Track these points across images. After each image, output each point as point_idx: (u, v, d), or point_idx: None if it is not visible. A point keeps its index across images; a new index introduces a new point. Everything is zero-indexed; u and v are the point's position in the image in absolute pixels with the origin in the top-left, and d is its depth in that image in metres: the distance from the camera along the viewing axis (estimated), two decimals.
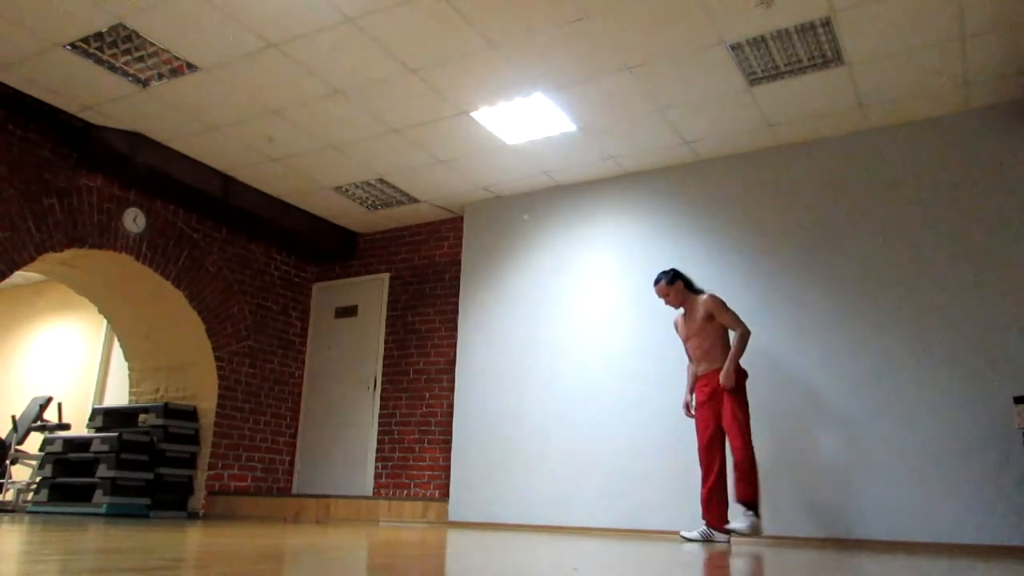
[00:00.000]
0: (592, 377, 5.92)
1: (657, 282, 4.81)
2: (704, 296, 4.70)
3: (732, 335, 4.61)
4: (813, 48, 4.51)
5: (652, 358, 5.70)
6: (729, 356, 4.50)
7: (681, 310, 4.84)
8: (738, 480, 4.32)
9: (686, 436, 5.42)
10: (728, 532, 4.35)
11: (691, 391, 4.79)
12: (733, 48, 4.55)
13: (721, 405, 4.53)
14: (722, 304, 4.65)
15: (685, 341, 4.79)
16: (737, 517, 4.33)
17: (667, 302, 4.81)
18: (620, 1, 4.15)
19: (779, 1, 4.12)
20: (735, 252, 5.58)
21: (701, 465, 4.57)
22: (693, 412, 4.72)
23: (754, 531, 4.22)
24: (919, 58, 4.57)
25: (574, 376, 6.00)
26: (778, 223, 5.52)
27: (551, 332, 6.20)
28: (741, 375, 4.54)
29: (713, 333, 4.64)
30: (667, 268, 5.03)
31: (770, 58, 4.62)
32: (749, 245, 5.55)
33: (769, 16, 4.24)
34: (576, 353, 6.05)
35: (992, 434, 4.55)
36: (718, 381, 4.52)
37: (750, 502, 4.28)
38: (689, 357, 4.83)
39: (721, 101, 5.11)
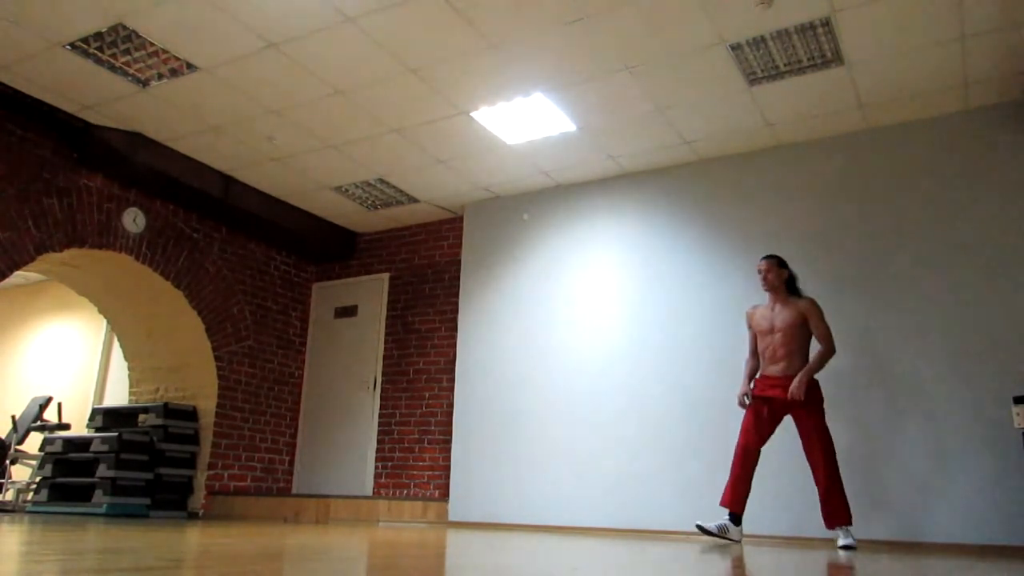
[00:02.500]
0: (592, 376, 5.92)
1: (766, 258, 4.62)
2: (807, 299, 4.54)
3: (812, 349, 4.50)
4: (813, 48, 4.51)
5: (652, 357, 5.70)
6: (806, 368, 4.36)
7: (764, 303, 4.68)
8: (829, 511, 4.22)
9: (686, 435, 5.42)
10: (846, 548, 4.15)
11: (749, 381, 4.64)
12: (733, 48, 4.55)
13: (791, 416, 4.43)
14: (822, 313, 4.50)
15: (765, 334, 4.56)
16: (842, 535, 4.18)
17: (762, 278, 4.60)
18: (620, 1, 4.15)
19: (779, 1, 4.12)
20: (735, 252, 5.57)
21: (735, 461, 4.43)
22: (748, 402, 4.57)
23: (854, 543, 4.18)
24: (919, 58, 4.57)
25: (574, 375, 6.00)
26: (778, 223, 5.52)
27: (551, 331, 6.21)
28: (814, 388, 4.42)
29: (802, 339, 4.49)
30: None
31: (770, 58, 4.62)
32: (749, 245, 5.55)
33: (769, 16, 4.24)
34: (576, 352, 6.05)
35: (992, 434, 4.55)
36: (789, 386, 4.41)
37: (847, 523, 4.22)
38: (754, 353, 4.68)
39: (721, 101, 5.11)
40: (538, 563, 2.36)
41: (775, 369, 4.49)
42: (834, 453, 4.32)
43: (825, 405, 4.43)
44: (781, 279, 4.58)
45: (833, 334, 4.49)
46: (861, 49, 4.50)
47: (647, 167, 6.08)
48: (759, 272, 4.65)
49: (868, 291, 5.10)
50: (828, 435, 4.35)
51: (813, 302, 4.52)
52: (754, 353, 4.70)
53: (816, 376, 4.44)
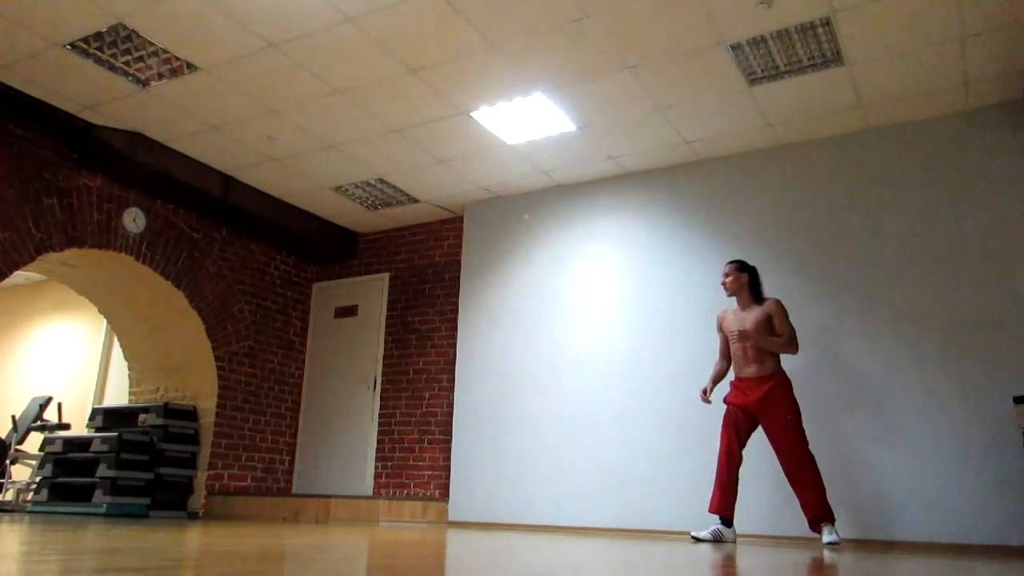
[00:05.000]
0: (592, 376, 5.92)
1: (729, 263, 4.73)
2: (771, 300, 4.62)
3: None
4: (813, 48, 4.51)
5: (652, 357, 5.71)
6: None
7: (731, 307, 4.75)
8: (813, 514, 4.29)
9: (686, 435, 5.42)
10: (830, 545, 4.22)
11: (714, 383, 4.74)
12: (733, 48, 4.55)
13: (762, 418, 4.45)
14: (786, 312, 4.58)
15: (735, 340, 4.61)
16: (826, 532, 4.25)
17: (725, 284, 4.71)
18: (620, 1, 4.15)
19: (779, 1, 4.12)
20: (734, 252, 5.57)
21: (720, 466, 4.50)
22: (709, 399, 4.68)
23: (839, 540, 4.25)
24: (919, 58, 4.57)
25: (574, 375, 6.00)
26: (777, 223, 5.52)
27: (551, 332, 6.21)
28: (787, 389, 4.49)
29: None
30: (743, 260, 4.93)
31: (770, 58, 4.62)
32: (748, 245, 5.55)
33: (769, 16, 4.24)
34: (576, 353, 6.05)
35: (992, 434, 4.55)
36: (764, 390, 4.45)
37: (831, 521, 4.28)
38: (724, 355, 4.77)
39: (721, 101, 5.11)
40: (538, 563, 2.36)
41: (749, 371, 4.56)
42: (810, 452, 4.36)
43: (801, 416, 4.47)
44: (741, 283, 4.67)
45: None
46: (861, 49, 4.50)
47: (647, 167, 6.08)
48: (723, 277, 4.76)
49: (867, 290, 5.10)
50: (801, 434, 4.39)
51: (778, 302, 4.61)
52: (724, 355, 4.81)
53: (791, 378, 4.54)
